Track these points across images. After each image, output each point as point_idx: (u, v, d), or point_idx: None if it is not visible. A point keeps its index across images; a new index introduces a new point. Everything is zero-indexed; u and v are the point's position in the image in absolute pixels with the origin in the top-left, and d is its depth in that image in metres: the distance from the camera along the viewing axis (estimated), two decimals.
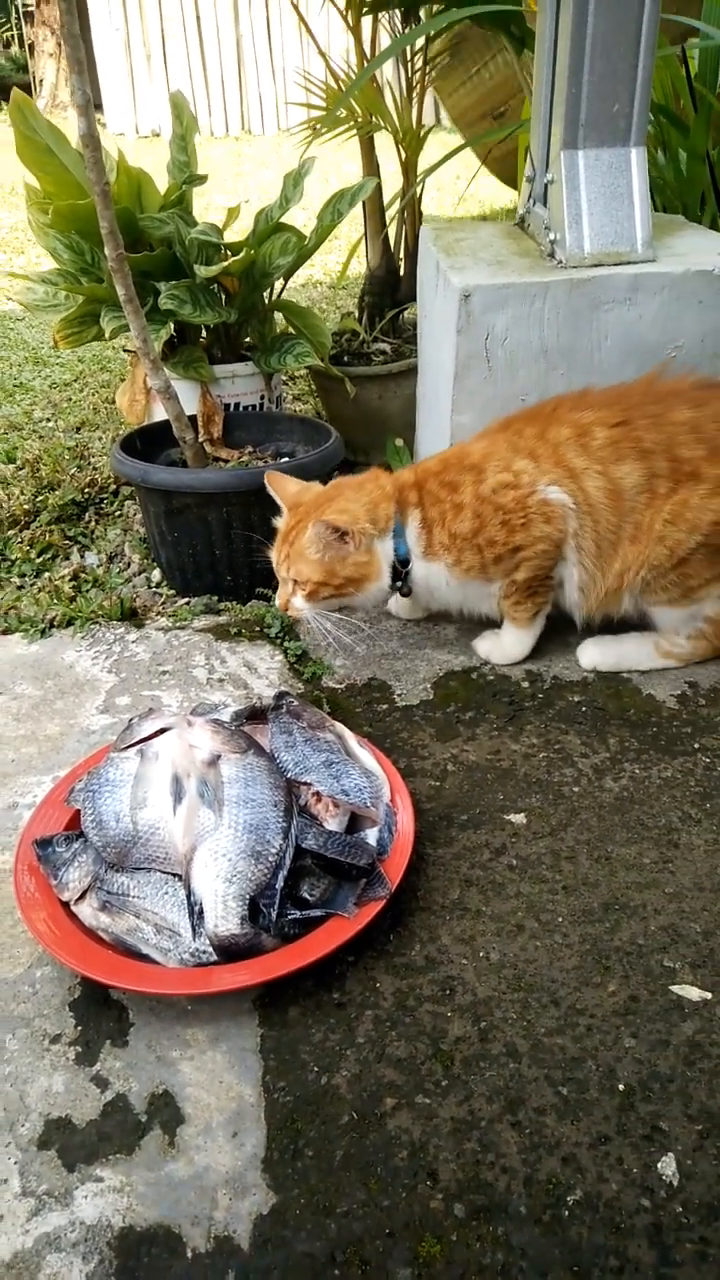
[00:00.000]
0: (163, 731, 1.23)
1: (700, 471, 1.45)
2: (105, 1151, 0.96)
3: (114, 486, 2.34)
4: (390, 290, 2.55)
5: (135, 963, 1.09)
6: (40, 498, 2.26)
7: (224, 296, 2.14)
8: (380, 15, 2.35)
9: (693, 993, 1.09)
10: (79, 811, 1.25)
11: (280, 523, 1.59)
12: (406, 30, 2.34)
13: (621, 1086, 1.00)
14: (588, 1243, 0.87)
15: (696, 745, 1.46)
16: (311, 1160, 0.94)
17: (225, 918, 1.09)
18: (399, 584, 1.57)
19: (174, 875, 1.14)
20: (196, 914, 1.10)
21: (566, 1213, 0.90)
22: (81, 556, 2.08)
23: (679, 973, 1.11)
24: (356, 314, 2.60)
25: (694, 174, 2.16)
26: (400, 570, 1.55)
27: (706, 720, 1.51)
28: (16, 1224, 0.90)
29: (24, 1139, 0.97)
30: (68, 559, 2.08)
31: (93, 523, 2.23)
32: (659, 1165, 0.93)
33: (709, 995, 1.09)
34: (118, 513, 2.26)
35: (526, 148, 1.90)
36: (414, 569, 1.55)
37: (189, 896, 1.11)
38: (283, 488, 1.60)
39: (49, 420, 2.87)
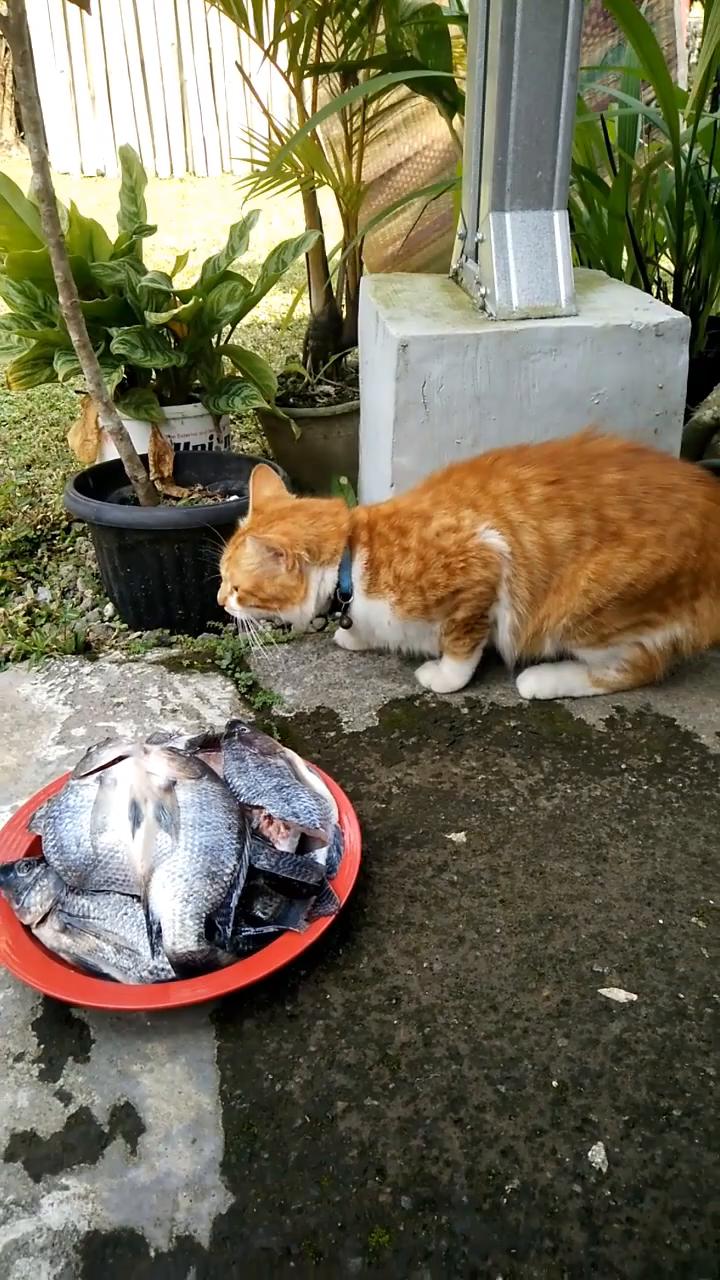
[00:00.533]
0: (120, 759, 1.29)
1: (623, 533, 1.56)
2: (70, 1161, 1.00)
3: (66, 523, 2.39)
4: (333, 335, 2.65)
5: (97, 981, 1.14)
6: None
7: (173, 341, 2.22)
8: (321, 76, 2.47)
9: (620, 995, 1.17)
10: (39, 838, 1.30)
11: (242, 522, 1.69)
12: (346, 90, 2.46)
13: (555, 1083, 1.07)
14: (525, 1227, 0.94)
15: (623, 766, 1.55)
16: (267, 1162, 1.00)
17: (183, 936, 1.14)
18: (339, 615, 1.65)
19: (132, 897, 1.19)
20: (155, 933, 1.15)
21: (505, 1200, 0.96)
22: (35, 592, 2.13)
23: (607, 977, 1.20)
24: (301, 357, 2.70)
25: (615, 231, 2.31)
26: (340, 603, 1.63)
27: (632, 743, 1.61)
28: None
29: None
30: (20, 594, 2.12)
31: (45, 559, 2.28)
32: (589, 1154, 1.00)
33: (634, 997, 1.17)
34: (70, 549, 2.31)
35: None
36: (355, 604, 1.64)
37: (148, 916, 1.16)
38: (258, 489, 1.70)
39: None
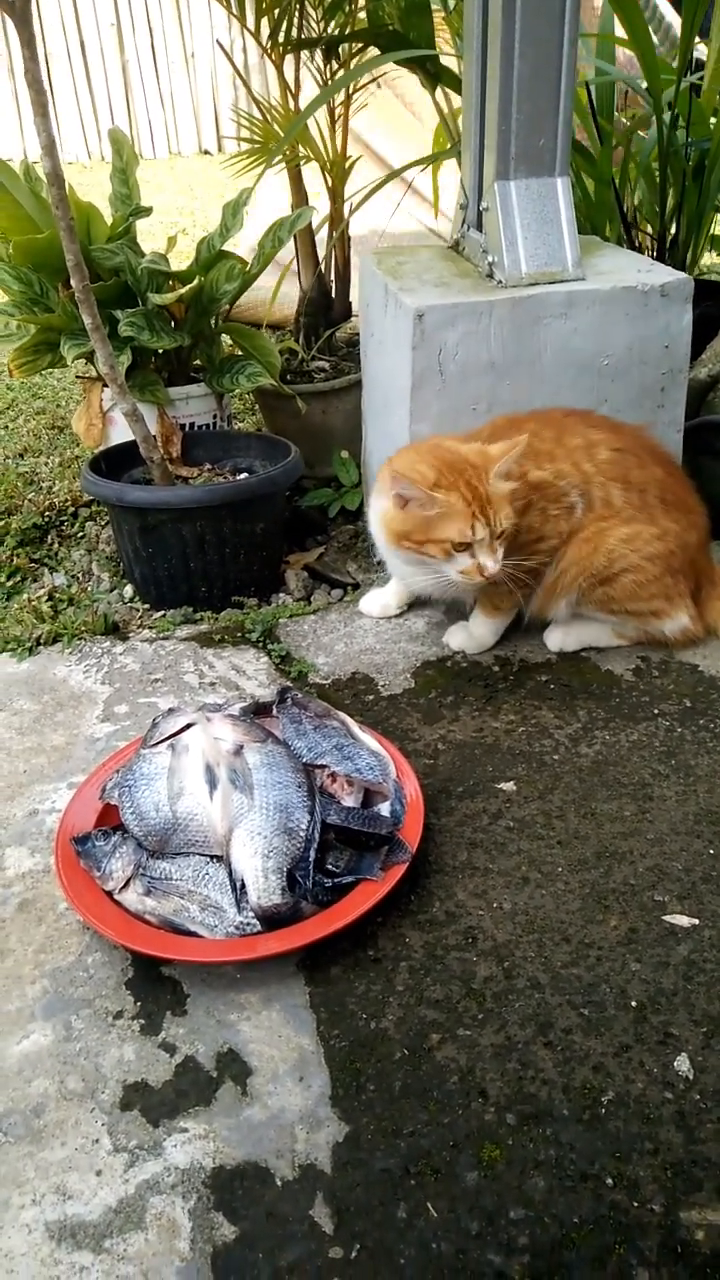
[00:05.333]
0: (187, 727, 1.32)
1: (655, 517, 1.68)
2: (184, 1106, 1.05)
3: (72, 509, 2.40)
4: (324, 311, 2.68)
5: (186, 938, 1.18)
6: (0, 523, 2.31)
7: (172, 322, 2.23)
8: (303, 51, 2.48)
9: (683, 920, 1.24)
10: (106, 809, 1.33)
11: (442, 509, 1.50)
12: (328, 66, 2.48)
13: (634, 1003, 1.14)
14: (625, 1133, 1.01)
15: (656, 711, 1.62)
16: (374, 1093, 1.05)
17: (267, 890, 1.19)
18: None
19: (211, 858, 1.23)
20: (240, 889, 1.19)
21: (603, 1111, 1.03)
22: (51, 577, 2.14)
23: (669, 905, 1.26)
24: (294, 334, 2.72)
25: (601, 198, 2.36)
26: None
27: (661, 689, 1.68)
28: (115, 1175, 0.98)
29: (106, 1103, 1.05)
30: (37, 580, 2.13)
31: (56, 544, 2.28)
32: (675, 1064, 1.07)
33: (696, 921, 1.24)
34: (79, 534, 2.32)
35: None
36: None
37: (230, 874, 1.20)
38: (420, 475, 1.52)
39: None
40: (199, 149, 9.46)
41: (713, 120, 2.39)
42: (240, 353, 2.30)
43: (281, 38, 2.38)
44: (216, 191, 6.55)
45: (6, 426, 3.09)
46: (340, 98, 2.47)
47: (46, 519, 2.35)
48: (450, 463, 1.54)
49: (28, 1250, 0.92)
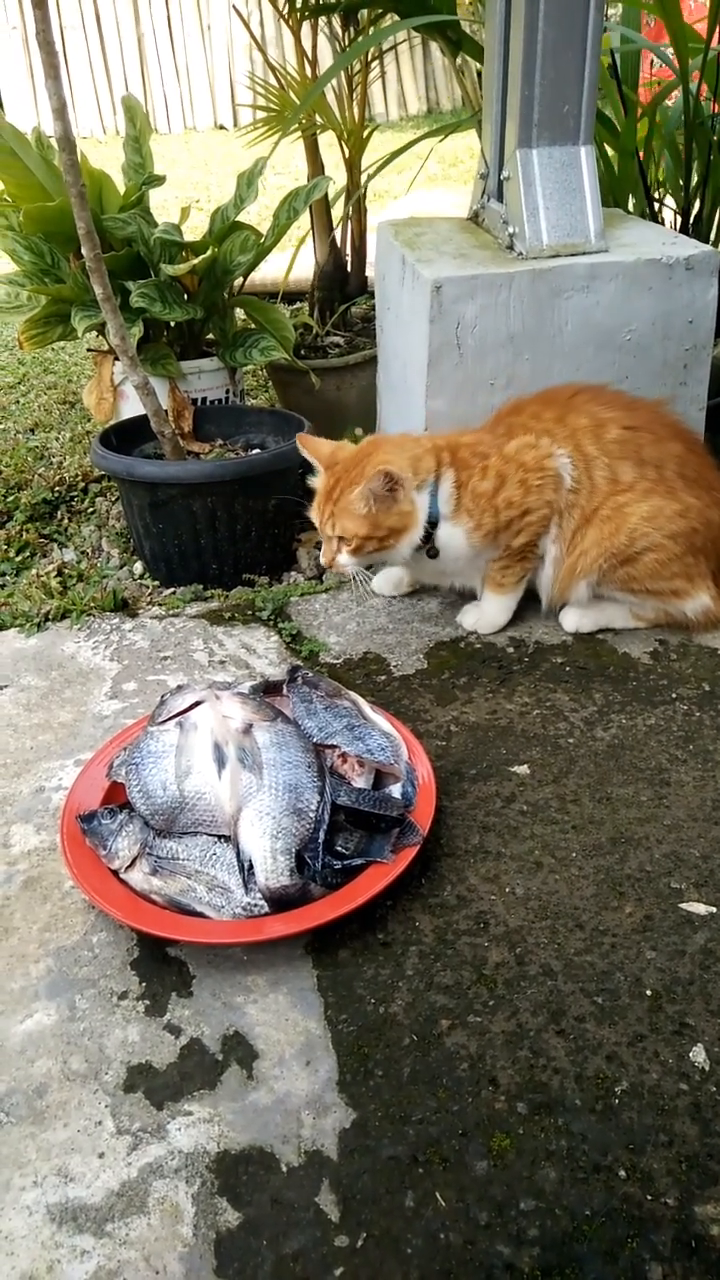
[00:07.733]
0: (195, 705, 1.30)
1: (676, 493, 1.63)
2: (189, 1089, 1.03)
3: (83, 484, 2.37)
4: (339, 285, 2.63)
5: (193, 919, 1.15)
6: (11, 498, 2.28)
7: (185, 294, 2.19)
8: (320, 18, 2.43)
9: (700, 908, 1.21)
10: (113, 786, 1.31)
11: (318, 482, 1.66)
12: (346, 34, 2.43)
13: (649, 992, 1.11)
14: (638, 1124, 0.98)
15: (674, 695, 1.59)
16: (382, 1079, 1.03)
17: (275, 871, 1.16)
18: (427, 545, 1.63)
19: (219, 837, 1.21)
20: (248, 870, 1.17)
21: (616, 1101, 1.00)
22: (61, 553, 2.11)
23: (685, 892, 1.23)
24: (308, 309, 2.68)
25: (625, 170, 2.30)
26: (429, 531, 1.61)
27: (679, 673, 1.64)
28: (118, 1158, 0.97)
29: (110, 1085, 1.03)
30: (46, 556, 2.11)
31: (65, 520, 2.26)
32: (691, 1054, 1.04)
33: (714, 909, 1.21)
34: (90, 509, 2.29)
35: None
36: (440, 531, 1.62)
37: (239, 855, 1.18)
38: (316, 448, 1.67)
39: (0, 423, 2.87)
40: (214, 124, 9.35)
41: None
42: (254, 326, 2.27)
43: (299, 3, 2.33)
44: (231, 166, 6.48)
45: (18, 401, 3.06)
46: (358, 66, 2.42)
47: (57, 494, 2.33)
48: (349, 458, 1.61)
49: (28, 1233, 0.91)
